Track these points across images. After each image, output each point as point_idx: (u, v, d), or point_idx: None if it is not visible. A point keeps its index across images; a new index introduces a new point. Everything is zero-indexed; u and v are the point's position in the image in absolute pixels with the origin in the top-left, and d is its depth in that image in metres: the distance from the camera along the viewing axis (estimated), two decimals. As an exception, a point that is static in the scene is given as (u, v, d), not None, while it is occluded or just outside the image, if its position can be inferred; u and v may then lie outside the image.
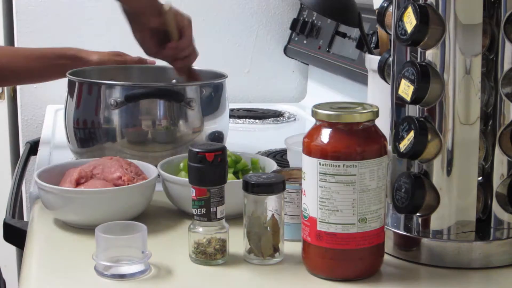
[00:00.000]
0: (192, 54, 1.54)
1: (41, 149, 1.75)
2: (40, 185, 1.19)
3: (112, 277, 1.01)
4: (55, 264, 1.07)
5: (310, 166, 0.99)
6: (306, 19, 2.24)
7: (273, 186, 1.04)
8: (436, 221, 1.05)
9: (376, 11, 1.15)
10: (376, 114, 1.00)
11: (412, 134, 1.02)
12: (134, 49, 2.23)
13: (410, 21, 1.01)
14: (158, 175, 1.24)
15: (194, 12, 2.29)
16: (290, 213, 1.12)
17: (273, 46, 2.37)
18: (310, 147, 0.99)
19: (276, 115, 2.10)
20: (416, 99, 1.02)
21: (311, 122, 1.03)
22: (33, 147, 1.84)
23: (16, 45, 2.24)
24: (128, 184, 1.20)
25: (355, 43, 1.83)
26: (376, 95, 1.36)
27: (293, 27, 2.29)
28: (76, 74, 1.54)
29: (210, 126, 1.50)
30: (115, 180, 1.21)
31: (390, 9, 1.11)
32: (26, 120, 2.30)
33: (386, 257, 1.04)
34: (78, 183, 1.21)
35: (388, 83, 1.13)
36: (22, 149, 2.22)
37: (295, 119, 2.10)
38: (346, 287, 0.99)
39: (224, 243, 1.06)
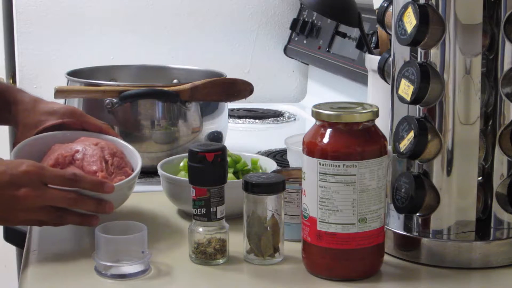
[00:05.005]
0: None
1: (41, 149, 1.75)
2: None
3: (112, 277, 1.01)
4: (55, 264, 1.07)
5: (310, 166, 0.99)
6: (306, 19, 2.24)
7: (273, 186, 1.04)
8: (436, 221, 1.05)
9: (376, 11, 1.15)
10: (376, 114, 1.00)
11: (412, 134, 1.02)
12: (133, 49, 2.24)
13: (410, 21, 1.01)
14: (160, 174, 1.23)
15: (194, 12, 2.31)
16: (290, 213, 1.12)
17: (273, 46, 2.37)
18: (310, 147, 0.99)
19: (276, 115, 2.10)
20: (416, 99, 1.02)
21: (311, 122, 1.03)
22: (33, 147, 1.83)
23: (16, 45, 2.24)
24: None
25: (355, 43, 1.83)
26: (376, 95, 1.36)
27: (293, 27, 2.29)
28: (75, 74, 1.54)
29: (209, 126, 1.50)
30: (90, 173, 1.15)
31: (390, 9, 1.11)
32: (26, 120, 2.29)
33: (386, 257, 1.04)
34: None
35: (388, 83, 1.13)
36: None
37: (295, 119, 2.09)
38: (346, 287, 0.99)
39: (224, 243, 1.06)
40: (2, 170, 1.04)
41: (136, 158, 1.21)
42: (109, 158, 1.18)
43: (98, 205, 1.08)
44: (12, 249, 2.22)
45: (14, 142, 1.26)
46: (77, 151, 1.17)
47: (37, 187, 1.05)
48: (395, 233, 1.08)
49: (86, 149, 1.17)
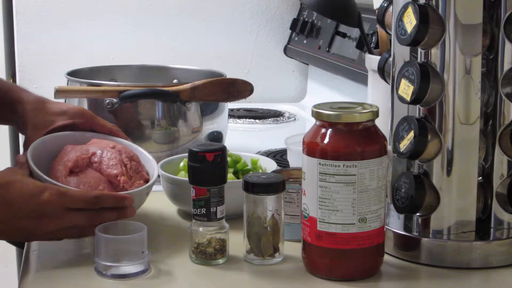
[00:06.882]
0: None
1: (41, 149, 1.75)
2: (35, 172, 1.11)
3: (112, 277, 1.01)
4: (55, 264, 1.07)
5: (310, 166, 0.99)
6: (306, 19, 2.24)
7: (273, 186, 1.04)
8: (436, 221, 1.05)
9: (376, 11, 1.15)
10: (376, 114, 1.00)
11: (412, 134, 1.02)
12: (133, 49, 2.24)
13: (410, 21, 1.01)
14: (158, 176, 1.24)
15: (194, 12, 2.31)
16: (290, 213, 1.12)
17: (273, 46, 2.37)
18: (310, 147, 0.99)
19: (276, 115, 2.10)
20: (416, 99, 1.02)
21: (311, 122, 1.03)
22: (33, 147, 1.83)
23: (16, 45, 2.24)
24: (123, 186, 1.13)
25: (355, 43, 1.83)
26: (376, 95, 1.36)
27: (293, 27, 2.29)
28: (75, 74, 1.54)
29: (209, 126, 1.50)
30: (112, 177, 1.14)
31: (390, 9, 1.11)
32: (26, 120, 2.29)
33: (386, 257, 1.04)
34: (71, 171, 1.14)
35: (388, 83, 1.13)
36: (22, 149, 2.22)
37: (295, 119, 2.09)
38: (346, 287, 0.99)
39: (224, 243, 1.06)
40: (25, 198, 1.03)
41: (150, 162, 1.21)
42: (128, 162, 1.17)
43: (119, 214, 1.07)
44: (12, 249, 2.22)
45: (24, 141, 1.24)
46: (94, 154, 1.16)
47: (60, 215, 1.04)
48: (395, 233, 1.08)
49: (103, 152, 1.16)
